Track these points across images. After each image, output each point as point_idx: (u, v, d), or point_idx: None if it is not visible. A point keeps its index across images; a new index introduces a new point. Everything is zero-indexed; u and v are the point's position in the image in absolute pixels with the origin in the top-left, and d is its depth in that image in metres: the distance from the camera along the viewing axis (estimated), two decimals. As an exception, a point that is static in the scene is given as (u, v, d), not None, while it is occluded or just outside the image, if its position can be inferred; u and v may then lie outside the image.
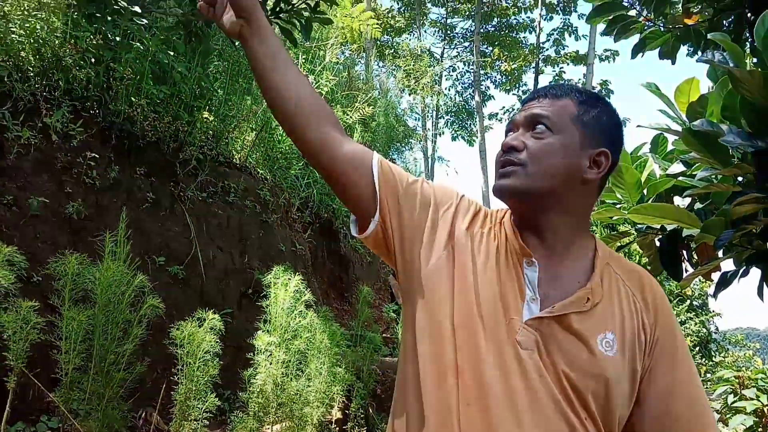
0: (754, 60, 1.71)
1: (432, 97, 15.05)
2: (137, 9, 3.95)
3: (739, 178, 1.56)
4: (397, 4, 19.69)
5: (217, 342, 3.52)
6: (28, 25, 3.85)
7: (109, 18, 4.00)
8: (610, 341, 1.08)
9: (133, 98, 4.37)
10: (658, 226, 2.01)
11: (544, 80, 19.77)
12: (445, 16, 20.73)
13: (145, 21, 4.02)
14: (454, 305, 1.10)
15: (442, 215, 1.18)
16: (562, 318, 1.08)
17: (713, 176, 1.47)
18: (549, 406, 1.04)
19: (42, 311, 3.18)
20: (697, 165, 1.71)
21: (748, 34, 2.34)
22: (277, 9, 4.09)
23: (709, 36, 1.36)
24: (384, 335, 6.12)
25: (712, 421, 1.12)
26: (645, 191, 1.99)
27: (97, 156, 4.09)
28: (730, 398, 5.06)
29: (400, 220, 1.17)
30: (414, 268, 1.16)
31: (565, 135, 1.12)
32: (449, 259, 1.14)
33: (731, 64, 1.23)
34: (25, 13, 3.85)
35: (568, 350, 1.07)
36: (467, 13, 19.98)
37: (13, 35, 3.81)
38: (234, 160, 5.54)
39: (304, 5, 4.00)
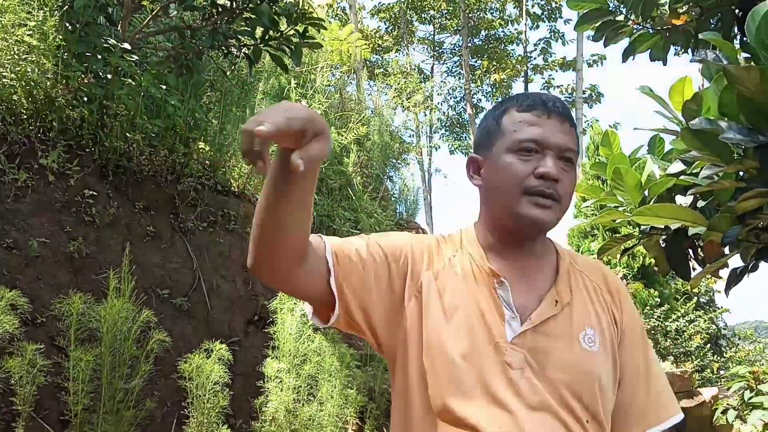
0: (744, 55, 1.71)
1: (425, 112, 15.11)
2: (127, 46, 3.98)
3: (741, 174, 1.55)
4: (384, 24, 19.85)
5: (225, 372, 3.49)
6: (18, 68, 3.86)
7: (99, 56, 4.03)
8: (591, 337, 1.11)
9: (127, 134, 4.38)
10: (663, 227, 2.00)
11: (534, 88, 19.89)
12: (432, 32, 20.90)
13: (136, 57, 4.05)
14: (426, 350, 1.08)
15: (398, 271, 1.14)
16: (542, 326, 1.09)
17: (716, 173, 1.46)
18: (550, 419, 1.03)
19: (48, 353, 3.16)
20: (697, 163, 1.71)
21: (737, 30, 2.35)
22: (267, 37, 4.12)
23: (700, 36, 1.36)
24: (393, 354, 6.08)
25: (670, 401, 1.19)
26: (646, 192, 1.99)
27: (95, 193, 4.09)
28: (747, 394, 5.03)
29: (362, 303, 1.12)
30: (390, 337, 1.14)
31: (575, 166, 1.15)
32: (417, 307, 1.12)
33: (725, 62, 1.23)
34: (16, 57, 3.87)
35: (558, 356, 1.08)
36: (454, 28, 20.14)
37: (4, 79, 3.82)
38: (232, 188, 5.54)
39: (293, 32, 4.03)
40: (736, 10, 2.23)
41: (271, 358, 3.93)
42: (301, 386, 3.93)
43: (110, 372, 3.28)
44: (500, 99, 1.37)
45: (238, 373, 4.04)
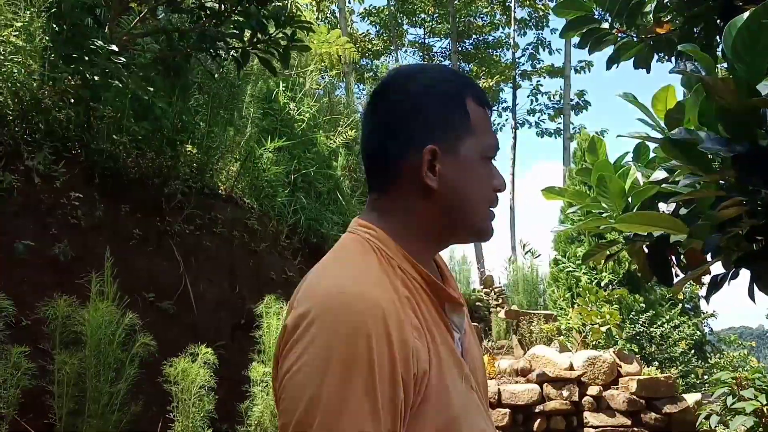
0: (725, 65, 1.74)
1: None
2: (114, 48, 3.96)
3: (722, 182, 1.57)
4: (375, 27, 19.90)
5: (211, 376, 3.48)
6: (4, 69, 3.84)
7: (86, 58, 4.02)
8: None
9: (114, 136, 4.36)
10: (646, 234, 2.03)
11: (522, 94, 20.00)
12: (423, 36, 20.98)
13: (123, 59, 4.03)
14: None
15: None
16: (465, 335, 1.04)
17: (696, 182, 1.49)
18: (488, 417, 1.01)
19: (32, 356, 3.14)
20: (678, 171, 1.73)
21: (719, 39, 2.38)
22: (255, 40, 4.12)
23: (679, 47, 1.39)
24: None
25: None
26: (630, 200, 2.01)
27: (81, 196, 4.07)
28: (729, 400, 5.07)
29: None
30: None
31: None
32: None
33: (703, 73, 1.26)
34: (1, 57, 3.85)
35: (476, 359, 1.05)
36: (445, 32, 20.24)
37: (-10, 80, 3.80)
38: (219, 191, 5.53)
39: (281, 35, 4.03)
40: (718, 20, 2.27)
41: (257, 362, 3.92)
42: (287, 390, 3.93)
43: (95, 375, 3.26)
44: (448, 69, 1.05)
45: (224, 377, 4.02)
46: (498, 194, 1.01)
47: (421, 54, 21.12)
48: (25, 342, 3.16)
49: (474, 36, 20.11)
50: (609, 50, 2.63)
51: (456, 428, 0.88)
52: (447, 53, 20.63)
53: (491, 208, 1.01)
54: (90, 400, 3.23)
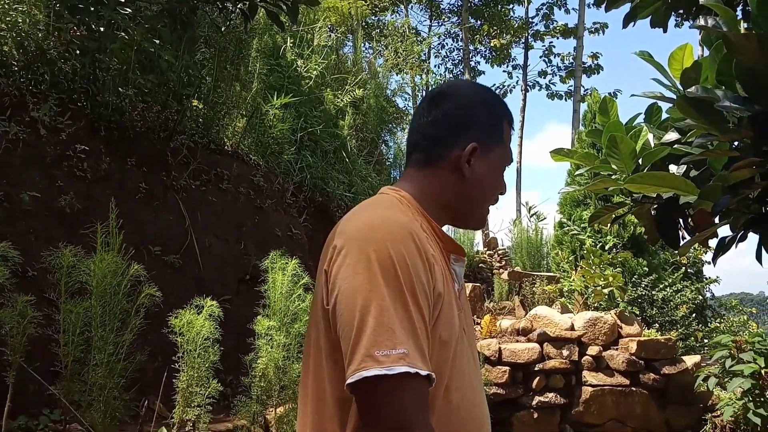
0: (745, 24, 1.69)
1: (422, 76, 14.94)
2: (120, -3, 3.90)
3: (736, 143, 1.55)
4: (383, -18, 19.43)
5: (216, 328, 3.52)
6: (9, 18, 3.79)
7: (92, 8, 3.95)
8: None
9: (120, 89, 4.32)
10: (655, 195, 2.01)
11: (534, 55, 19.69)
12: (431, -11, 20.49)
13: (129, 10, 3.97)
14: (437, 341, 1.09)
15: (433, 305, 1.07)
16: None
17: (709, 142, 1.46)
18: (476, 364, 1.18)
19: (38, 305, 3.18)
20: (692, 132, 1.71)
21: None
22: (263, -9, 4.03)
23: (701, 1, 1.35)
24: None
25: None
26: (640, 161, 1.98)
27: (87, 148, 4.06)
28: (728, 362, 5.12)
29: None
30: None
31: None
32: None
33: (725, 29, 1.22)
34: (6, 6, 3.79)
35: (468, 311, 1.24)
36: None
37: (-6, 28, 3.75)
38: (225, 147, 5.50)
39: (289, -14, 3.94)
40: (740, -22, 2.20)
41: (262, 315, 3.96)
42: (291, 344, 3.97)
43: (101, 325, 3.30)
44: (493, 91, 1.31)
45: (229, 330, 4.07)
46: (500, 196, 1.27)
47: (429, 10, 20.70)
48: (31, 291, 3.20)
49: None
50: (625, 9, 2.57)
51: (454, 345, 1.07)
52: (456, 8, 20.20)
53: (492, 205, 1.26)
54: (95, 349, 3.28)
